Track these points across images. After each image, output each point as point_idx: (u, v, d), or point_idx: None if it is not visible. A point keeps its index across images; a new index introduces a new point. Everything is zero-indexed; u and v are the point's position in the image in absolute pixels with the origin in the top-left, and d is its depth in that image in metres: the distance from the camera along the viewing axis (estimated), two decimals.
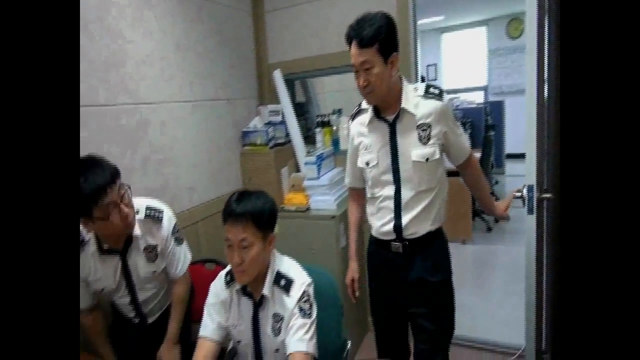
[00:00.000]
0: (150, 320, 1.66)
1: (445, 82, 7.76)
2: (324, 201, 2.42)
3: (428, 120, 1.44)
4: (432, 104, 1.44)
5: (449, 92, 5.91)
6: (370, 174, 1.55)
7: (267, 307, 1.32)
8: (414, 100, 1.45)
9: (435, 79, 7.70)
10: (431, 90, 1.47)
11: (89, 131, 1.68)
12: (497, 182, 5.88)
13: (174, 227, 1.59)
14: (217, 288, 1.38)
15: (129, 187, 1.41)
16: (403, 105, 1.45)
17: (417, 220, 1.50)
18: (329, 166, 2.58)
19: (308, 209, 2.46)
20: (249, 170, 2.59)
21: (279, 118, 2.67)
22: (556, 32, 1.56)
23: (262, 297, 1.30)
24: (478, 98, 7.12)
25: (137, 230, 1.48)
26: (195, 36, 2.26)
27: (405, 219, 1.50)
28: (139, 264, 1.52)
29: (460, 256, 3.84)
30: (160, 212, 1.54)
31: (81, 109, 1.64)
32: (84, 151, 1.62)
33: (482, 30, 7.42)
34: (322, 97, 3.11)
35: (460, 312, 2.76)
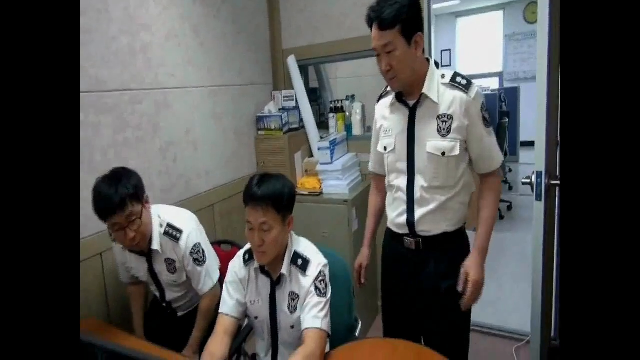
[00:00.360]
0: (180, 314, 1.77)
1: (460, 67, 7.69)
2: (337, 186, 2.48)
3: (450, 112, 1.34)
4: (457, 96, 1.34)
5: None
6: (388, 159, 1.50)
7: (284, 285, 1.38)
8: (439, 88, 1.36)
9: (449, 65, 7.63)
10: (458, 79, 1.36)
11: (107, 116, 1.75)
12: (510, 170, 5.87)
13: (194, 248, 1.61)
14: (236, 266, 1.45)
15: (145, 208, 1.51)
16: (424, 90, 1.36)
17: (431, 217, 1.41)
18: (342, 151, 2.63)
19: (321, 193, 2.52)
20: (263, 154, 2.65)
21: (292, 103, 2.71)
22: (557, 16, 1.53)
23: (280, 275, 1.37)
24: (493, 84, 7.07)
25: (155, 245, 1.57)
26: (212, 23, 2.31)
27: (417, 213, 1.43)
28: (162, 272, 1.64)
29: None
30: (180, 232, 1.59)
31: (100, 94, 1.72)
32: (101, 136, 1.71)
33: (499, 15, 7.31)
34: (335, 83, 3.14)
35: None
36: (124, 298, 1.81)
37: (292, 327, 1.38)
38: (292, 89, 2.74)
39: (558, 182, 1.64)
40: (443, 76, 1.38)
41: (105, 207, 1.37)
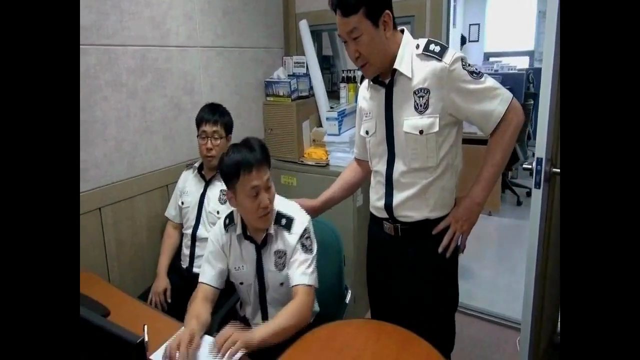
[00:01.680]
0: (195, 269, 1.86)
1: (488, 43, 7.47)
2: (343, 158, 2.46)
3: (425, 85, 1.26)
4: (431, 65, 1.25)
5: (492, 54, 5.67)
6: (369, 144, 1.45)
7: (269, 246, 1.42)
8: (412, 60, 1.28)
9: (477, 40, 7.42)
10: (431, 47, 1.26)
11: (107, 72, 1.76)
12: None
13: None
14: (217, 234, 1.49)
15: (227, 140, 1.88)
16: (395, 65, 1.28)
17: (410, 202, 1.35)
18: (351, 123, 2.61)
19: (327, 164, 2.51)
20: (271, 120, 2.64)
21: (303, 70, 2.68)
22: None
23: (267, 236, 1.41)
24: (522, 63, 6.85)
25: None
26: None
27: (396, 198, 1.37)
28: (212, 198, 1.88)
29: (485, 228, 3.85)
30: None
31: (107, 47, 1.73)
32: (101, 91, 1.72)
33: None
34: None
35: (479, 285, 2.87)
36: (122, 255, 1.88)
37: (282, 284, 1.43)
38: (304, 54, 2.70)
39: (559, 169, 1.58)
40: (417, 47, 1.29)
41: (204, 116, 1.86)
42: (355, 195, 2.37)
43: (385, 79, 1.34)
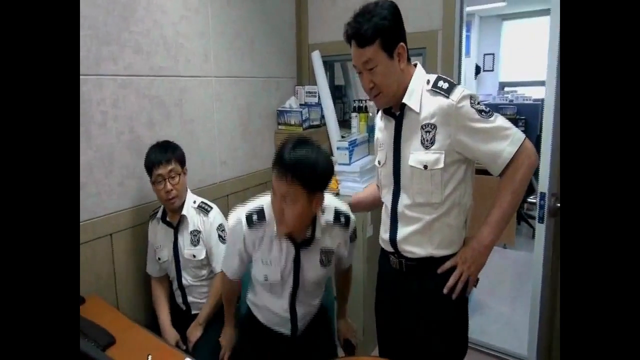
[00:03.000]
0: (194, 312, 1.91)
1: (504, 73, 7.54)
2: (354, 188, 2.49)
3: (433, 121, 1.27)
4: (439, 102, 1.26)
5: (507, 84, 5.68)
6: (380, 174, 1.47)
7: (313, 245, 1.43)
8: (422, 95, 1.30)
9: (492, 70, 7.50)
10: (440, 84, 1.28)
11: (127, 99, 1.85)
12: None
13: (220, 226, 1.87)
14: (243, 233, 1.43)
15: (184, 174, 1.84)
16: (404, 100, 1.31)
17: (414, 237, 1.35)
18: (362, 153, 2.66)
19: (337, 194, 2.54)
20: None
21: (315, 99, 2.76)
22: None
23: (312, 239, 1.41)
24: (538, 93, 6.88)
25: (185, 211, 1.85)
26: (236, 13, 2.38)
27: (400, 231, 1.37)
28: (185, 245, 1.86)
29: (500, 261, 3.82)
30: (211, 208, 1.90)
31: (122, 78, 1.82)
32: (121, 115, 1.80)
33: (547, 20, 7.12)
34: None
35: (492, 320, 2.83)
36: (131, 282, 1.93)
37: (318, 283, 1.51)
38: (316, 84, 2.79)
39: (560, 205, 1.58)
40: (428, 82, 1.31)
41: (154, 159, 1.75)
42: (365, 226, 2.40)
43: (397, 110, 1.36)
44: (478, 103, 1.26)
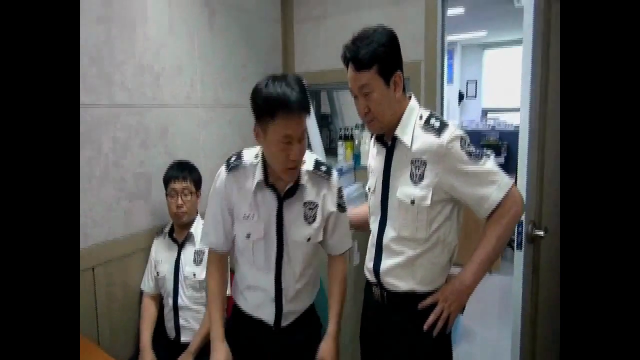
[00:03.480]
0: (183, 339, 1.87)
1: (486, 100, 7.72)
2: None
3: (423, 157, 1.27)
4: (429, 140, 1.26)
5: (490, 110, 5.80)
6: (370, 201, 1.47)
7: (297, 197, 1.36)
8: (413, 130, 1.30)
9: (475, 96, 7.68)
10: (431, 122, 1.29)
11: (108, 131, 1.84)
12: None
13: None
14: (220, 182, 1.40)
15: (197, 197, 1.94)
16: (396, 132, 1.31)
17: (397, 270, 1.34)
18: (348, 181, 2.67)
19: None
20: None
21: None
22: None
23: (296, 187, 1.35)
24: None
25: (193, 229, 1.91)
26: (223, 42, 2.42)
27: (384, 263, 1.37)
28: (187, 263, 1.88)
29: (485, 287, 3.81)
30: None
31: (106, 109, 1.81)
32: (99, 151, 1.79)
33: None
34: (349, 109, 3.20)
35: (479, 347, 2.82)
36: (113, 317, 1.87)
37: (309, 239, 1.39)
38: None
39: (542, 232, 1.59)
40: (421, 117, 1.32)
41: (171, 174, 1.88)
42: (352, 254, 2.39)
43: (389, 140, 1.36)
44: (468, 145, 1.26)
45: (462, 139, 1.25)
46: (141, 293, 1.97)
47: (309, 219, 1.38)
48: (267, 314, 1.43)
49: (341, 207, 1.44)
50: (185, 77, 2.18)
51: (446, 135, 1.24)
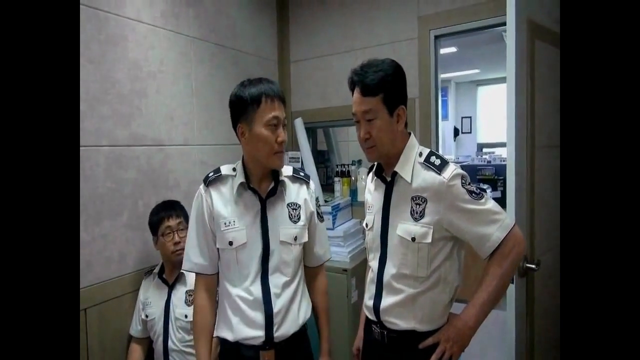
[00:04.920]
0: None
1: (481, 135, 7.80)
2: (338, 253, 2.45)
3: (424, 195, 1.26)
4: (430, 177, 1.25)
5: (485, 145, 5.79)
6: (367, 236, 1.43)
7: (278, 197, 1.40)
8: (414, 166, 1.29)
9: (470, 132, 7.76)
10: (432, 159, 1.28)
11: (102, 171, 1.82)
12: None
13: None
14: (198, 199, 1.43)
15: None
16: (396, 168, 1.30)
17: (398, 308, 1.31)
18: (345, 217, 2.64)
19: None
20: None
21: (298, 164, 2.77)
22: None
23: (277, 185, 1.39)
24: None
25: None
26: (221, 82, 2.44)
27: (384, 300, 1.33)
28: (178, 304, 1.81)
29: (485, 323, 3.71)
30: None
31: (100, 148, 1.80)
32: (98, 186, 1.77)
33: None
34: (346, 145, 3.22)
35: None
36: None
37: (295, 238, 1.39)
38: (299, 150, 2.82)
39: (534, 266, 1.57)
40: (420, 154, 1.31)
41: (163, 213, 1.83)
42: (350, 291, 2.33)
43: (388, 175, 1.35)
44: (469, 184, 1.25)
45: (463, 177, 1.24)
46: (130, 337, 1.90)
47: (294, 218, 1.40)
48: (258, 328, 1.34)
49: (320, 217, 1.50)
50: (182, 117, 2.19)
51: (447, 173, 1.23)
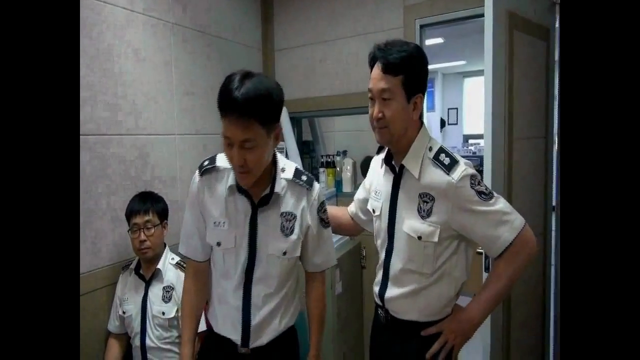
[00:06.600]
0: None
1: (467, 126, 7.79)
2: None
3: (432, 193, 1.21)
4: (439, 176, 1.20)
5: (471, 137, 5.81)
6: (375, 223, 1.40)
7: (273, 206, 1.25)
8: (423, 161, 1.24)
9: (456, 123, 7.74)
10: (441, 157, 1.22)
11: (84, 157, 1.74)
12: None
13: None
14: (193, 185, 1.31)
15: (163, 228, 1.80)
16: (404, 162, 1.25)
17: (402, 300, 1.30)
18: None
19: None
20: None
21: (283, 155, 2.70)
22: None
23: (271, 195, 1.23)
24: None
25: (161, 265, 1.78)
26: (200, 71, 2.35)
27: (389, 291, 1.32)
28: (155, 301, 1.75)
29: None
30: None
31: (81, 137, 1.71)
32: (83, 176, 1.69)
33: None
34: (331, 136, 3.15)
35: None
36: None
37: (284, 252, 1.25)
38: (284, 140, 2.75)
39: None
40: (430, 149, 1.25)
41: (133, 207, 1.74)
42: (334, 283, 2.29)
43: (397, 165, 1.30)
44: (479, 183, 1.20)
45: (472, 177, 1.19)
46: (108, 332, 1.83)
47: (286, 231, 1.25)
48: (235, 333, 1.29)
49: (324, 222, 1.33)
50: (161, 105, 2.10)
51: (456, 174, 1.18)
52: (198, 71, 2.33)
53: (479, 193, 1.18)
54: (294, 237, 1.26)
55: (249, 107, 1.07)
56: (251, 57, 2.75)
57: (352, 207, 1.60)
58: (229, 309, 1.29)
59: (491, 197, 1.19)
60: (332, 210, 1.56)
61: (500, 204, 1.20)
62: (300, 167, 1.32)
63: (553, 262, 2.06)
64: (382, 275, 1.35)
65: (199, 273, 1.36)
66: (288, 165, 1.28)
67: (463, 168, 1.19)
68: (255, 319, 1.27)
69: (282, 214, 1.25)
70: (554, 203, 2.06)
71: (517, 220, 1.20)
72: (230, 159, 1.15)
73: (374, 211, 1.39)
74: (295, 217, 1.26)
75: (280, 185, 1.24)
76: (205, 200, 1.28)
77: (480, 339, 1.63)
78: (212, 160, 1.29)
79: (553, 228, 2.06)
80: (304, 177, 1.28)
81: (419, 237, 1.23)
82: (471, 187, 1.18)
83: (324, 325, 1.42)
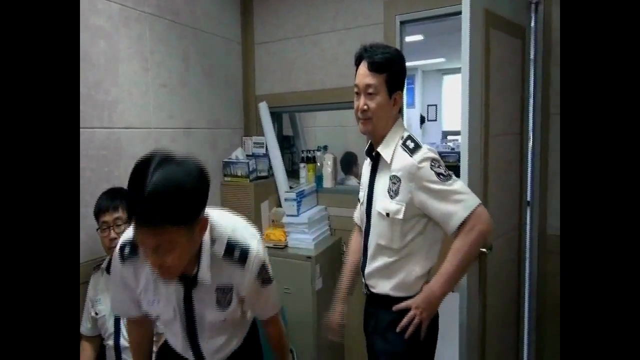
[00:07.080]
0: None
1: (446, 123, 7.86)
2: (302, 240, 2.38)
3: (399, 174, 1.36)
4: (404, 159, 1.35)
5: (450, 133, 5.86)
6: (360, 210, 1.58)
7: (205, 283, 1.14)
8: (394, 148, 1.39)
9: (436, 120, 7.80)
10: (407, 143, 1.38)
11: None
12: None
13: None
14: (114, 269, 1.23)
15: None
16: (379, 149, 1.42)
17: (376, 274, 1.46)
18: (310, 204, 2.56)
19: (286, 246, 2.42)
20: (229, 201, 2.57)
21: (262, 150, 2.67)
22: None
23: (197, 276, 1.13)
24: None
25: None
26: (178, 64, 2.29)
27: (368, 266, 1.49)
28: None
29: (450, 305, 3.76)
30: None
31: None
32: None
33: None
34: (312, 131, 3.13)
35: None
36: None
37: (224, 320, 1.21)
38: (264, 135, 2.71)
39: (486, 250, 1.62)
40: (402, 138, 1.41)
41: (101, 205, 1.66)
42: (314, 279, 2.27)
43: (374, 153, 1.46)
44: (438, 166, 1.33)
45: (433, 160, 1.33)
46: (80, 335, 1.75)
47: (223, 304, 1.18)
48: (189, 355, 1.30)
49: (265, 282, 1.21)
50: (136, 99, 2.04)
51: (418, 156, 1.34)
52: (175, 64, 2.27)
53: (438, 174, 1.32)
54: (232, 307, 1.20)
55: (157, 214, 0.92)
56: (230, 50, 2.70)
57: (356, 215, 1.69)
58: (177, 344, 1.30)
59: (449, 178, 1.33)
60: (353, 247, 1.67)
61: (457, 185, 1.33)
62: (241, 225, 1.21)
63: (528, 255, 2.10)
64: (363, 252, 1.52)
65: (142, 328, 1.35)
66: (220, 236, 1.14)
67: (425, 151, 1.34)
68: (207, 351, 1.28)
69: (217, 288, 1.16)
70: (528, 198, 2.10)
71: (472, 199, 1.32)
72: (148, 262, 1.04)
73: (359, 200, 1.57)
74: (231, 288, 1.17)
75: (206, 265, 1.12)
76: (131, 283, 1.19)
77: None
78: (133, 247, 1.14)
79: (528, 222, 2.09)
80: (236, 253, 1.14)
81: (387, 214, 1.38)
82: (431, 168, 1.32)
83: (287, 356, 1.45)
